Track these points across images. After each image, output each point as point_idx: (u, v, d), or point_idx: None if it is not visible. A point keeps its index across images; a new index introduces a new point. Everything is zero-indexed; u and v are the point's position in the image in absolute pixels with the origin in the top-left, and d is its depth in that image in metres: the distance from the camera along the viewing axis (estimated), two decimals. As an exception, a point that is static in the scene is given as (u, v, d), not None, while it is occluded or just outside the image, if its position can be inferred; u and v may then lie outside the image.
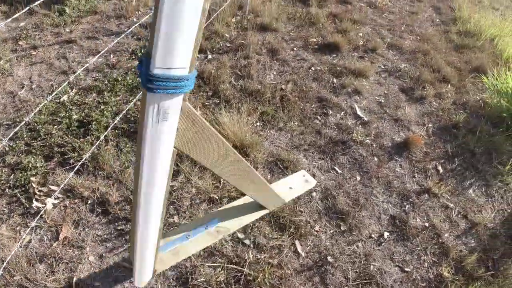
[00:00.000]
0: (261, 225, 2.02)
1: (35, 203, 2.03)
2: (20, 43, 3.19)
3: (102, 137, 2.30)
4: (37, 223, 1.95)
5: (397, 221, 2.25)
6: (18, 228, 1.92)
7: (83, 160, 2.17)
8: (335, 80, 3.10)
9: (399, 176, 2.49)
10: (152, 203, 0.98)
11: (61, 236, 1.91)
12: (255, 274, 1.81)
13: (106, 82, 2.76)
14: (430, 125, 2.91)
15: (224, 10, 3.42)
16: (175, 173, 2.17)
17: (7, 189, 2.06)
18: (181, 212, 2.03)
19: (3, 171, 2.15)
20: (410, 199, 2.37)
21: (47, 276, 1.75)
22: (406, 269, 2.07)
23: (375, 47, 3.69)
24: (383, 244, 2.14)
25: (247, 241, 1.95)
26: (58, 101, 2.59)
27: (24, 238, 1.89)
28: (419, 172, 2.54)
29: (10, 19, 1.73)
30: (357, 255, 2.05)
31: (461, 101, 3.23)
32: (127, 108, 2.48)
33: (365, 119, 2.76)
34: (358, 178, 2.40)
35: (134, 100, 2.55)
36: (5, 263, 1.73)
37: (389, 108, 2.96)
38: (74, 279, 1.75)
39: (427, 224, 2.27)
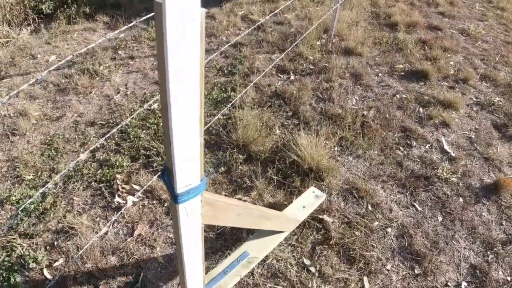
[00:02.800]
0: (329, 254, 1.95)
1: (116, 199, 2.20)
2: (119, 52, 3.54)
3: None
4: (116, 217, 2.10)
5: (478, 271, 2.01)
6: (97, 219, 2.08)
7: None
8: (421, 110, 2.93)
9: (485, 221, 2.24)
10: (191, 261, 1.25)
11: (136, 233, 2.03)
12: (318, 305, 1.75)
13: (192, 94, 2.92)
14: (524, 168, 2.59)
15: (309, 33, 3.45)
16: (248, 188, 2.21)
17: (93, 182, 2.27)
18: (250, 229, 2.05)
19: (92, 165, 2.37)
20: (495, 249, 2.11)
21: (116, 268, 1.86)
22: (484, 328, 1.84)
23: (467, 78, 3.42)
24: (459, 295, 1.93)
25: (312, 269, 1.89)
26: (149, 108, 2.80)
27: (101, 230, 2.03)
28: (507, 220, 2.26)
29: (117, 31, 1.94)
30: (430, 304, 1.87)
31: None
32: (210, 122, 2.60)
33: (453, 154, 2.55)
34: (440, 218, 2.20)
35: (219, 115, 2.67)
36: (81, 251, 1.87)
37: (480, 145, 2.70)
38: (141, 276, 1.83)
39: (509, 278, 2.00)
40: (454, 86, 3.32)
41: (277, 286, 1.81)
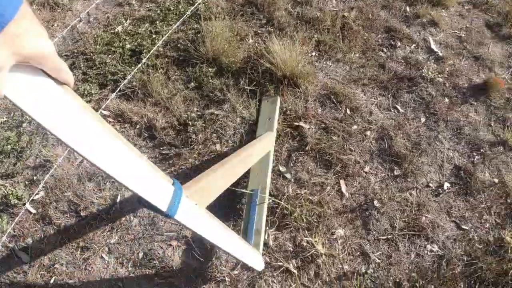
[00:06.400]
0: (305, 160, 1.88)
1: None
2: (78, -22, 3.21)
3: (144, 60, 2.27)
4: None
5: (462, 172, 1.96)
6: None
7: (124, 82, 2.18)
8: (408, 9, 2.67)
9: (472, 122, 2.14)
10: (229, 243, 1.16)
11: (111, 158, 1.98)
12: (293, 208, 1.72)
13: (158, 11, 2.69)
14: (516, 68, 2.43)
15: None
16: (220, 102, 2.09)
17: (65, 113, 2.16)
18: (224, 141, 1.97)
19: (63, 97, 2.24)
20: (481, 150, 2.04)
21: (94, 193, 1.84)
22: (463, 227, 1.83)
23: (459, -26, 3.11)
24: (441, 195, 1.89)
25: (288, 175, 1.84)
26: (113, 31, 2.60)
27: (77, 159, 1.98)
28: (496, 121, 2.16)
29: None
30: (408, 204, 1.84)
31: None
32: (166, 32, 2.39)
33: (440, 54, 2.37)
34: (423, 119, 2.10)
35: (173, 25, 2.45)
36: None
37: (470, 44, 2.51)
38: (119, 198, 1.82)
39: (496, 180, 1.95)
40: (445, -17, 3.03)
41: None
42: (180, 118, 2.03)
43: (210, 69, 2.17)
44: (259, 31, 2.36)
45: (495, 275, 1.72)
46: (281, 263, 1.68)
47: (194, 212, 0.89)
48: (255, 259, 1.44)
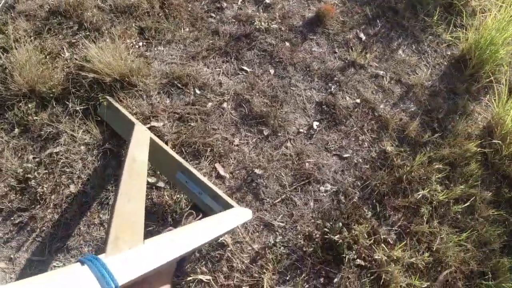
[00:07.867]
0: (172, 160, 1.72)
1: None
2: None
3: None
4: None
5: (324, 106, 1.99)
6: None
7: None
8: (221, -34, 2.58)
9: (318, 56, 2.17)
10: None
11: None
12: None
13: None
14: (344, -10, 2.52)
15: None
16: (55, 136, 1.77)
17: None
18: (76, 179, 1.69)
19: None
20: (335, 78, 2.10)
21: None
22: (345, 155, 1.88)
23: None
24: (314, 136, 1.91)
25: (161, 184, 1.67)
26: None
27: None
28: (339, 46, 2.23)
29: None
30: (288, 157, 1.82)
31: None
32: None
33: (267, 1, 2.33)
34: (272, 71, 2.06)
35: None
36: None
37: (294, -19, 2.52)
38: None
39: (358, 101, 2.04)
40: None
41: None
42: (18, 174, 1.68)
43: (30, 105, 1.81)
44: (73, 40, 2.03)
45: (391, 185, 1.82)
46: (191, 276, 1.54)
47: (135, 256, 0.81)
48: (240, 214, 1.36)
